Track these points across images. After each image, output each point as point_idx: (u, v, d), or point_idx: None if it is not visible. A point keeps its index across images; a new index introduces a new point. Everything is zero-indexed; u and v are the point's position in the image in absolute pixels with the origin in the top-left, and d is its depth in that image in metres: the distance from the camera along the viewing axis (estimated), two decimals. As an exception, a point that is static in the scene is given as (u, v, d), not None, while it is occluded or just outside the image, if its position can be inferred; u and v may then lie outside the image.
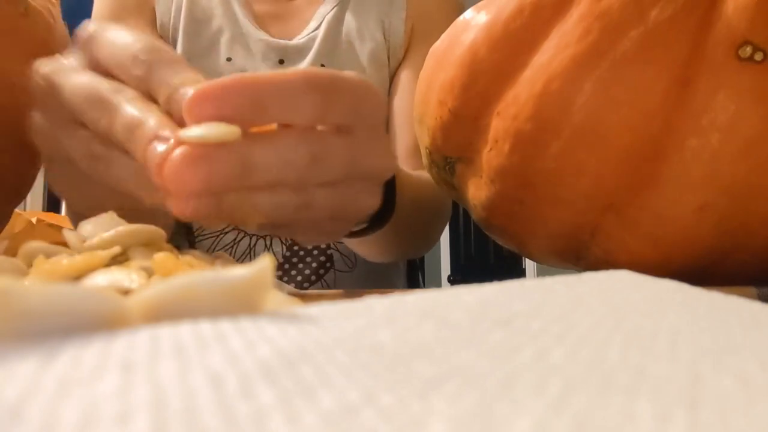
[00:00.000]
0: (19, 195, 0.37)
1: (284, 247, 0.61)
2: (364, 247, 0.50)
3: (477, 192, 0.33)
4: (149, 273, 0.16)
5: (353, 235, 0.39)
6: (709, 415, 0.07)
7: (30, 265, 0.17)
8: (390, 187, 0.37)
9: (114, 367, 0.08)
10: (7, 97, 0.31)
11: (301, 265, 0.62)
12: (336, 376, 0.08)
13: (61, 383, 0.07)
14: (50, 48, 0.34)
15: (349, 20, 0.68)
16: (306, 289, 0.61)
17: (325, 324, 0.10)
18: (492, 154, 0.31)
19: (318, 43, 0.65)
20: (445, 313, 0.12)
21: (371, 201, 0.27)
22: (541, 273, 2.37)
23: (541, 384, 0.08)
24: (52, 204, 2.60)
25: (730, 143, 0.26)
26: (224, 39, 0.63)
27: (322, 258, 0.62)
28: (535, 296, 0.14)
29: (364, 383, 0.08)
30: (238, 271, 0.11)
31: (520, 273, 2.81)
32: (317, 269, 0.62)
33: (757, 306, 0.13)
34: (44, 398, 0.07)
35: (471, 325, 0.11)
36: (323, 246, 0.62)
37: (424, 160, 0.38)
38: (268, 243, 0.61)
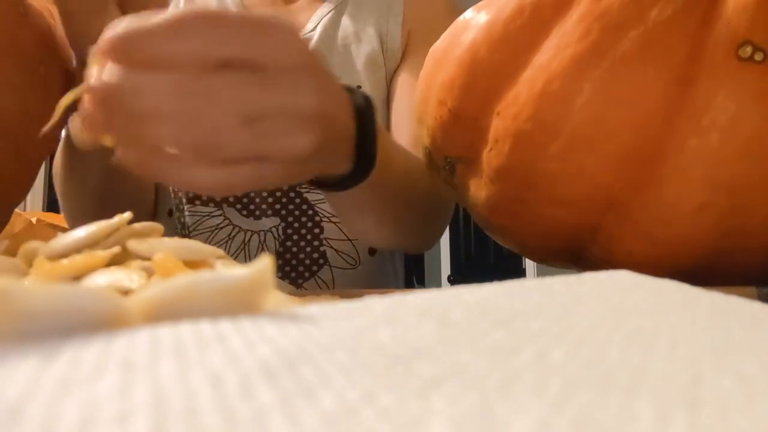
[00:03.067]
0: (19, 195, 0.37)
1: (277, 242, 0.61)
2: (348, 213, 0.49)
3: (477, 192, 0.33)
4: (149, 273, 0.16)
5: (327, 188, 0.39)
6: (709, 415, 0.07)
7: (30, 265, 0.17)
8: (368, 145, 0.36)
9: (114, 367, 0.08)
10: (7, 97, 0.31)
11: (294, 262, 0.62)
12: (336, 376, 0.08)
13: (61, 383, 0.07)
14: (50, 48, 0.34)
15: (346, 24, 0.68)
16: (300, 285, 0.62)
17: (325, 324, 0.10)
18: (492, 154, 0.31)
19: (312, 45, 0.65)
20: (445, 313, 0.12)
21: (301, 140, 0.27)
22: (541, 273, 2.37)
23: (541, 384, 0.08)
24: (52, 204, 2.60)
25: (730, 143, 0.26)
26: None
27: (315, 255, 0.62)
28: (535, 296, 0.14)
29: (364, 383, 0.08)
30: (238, 271, 0.11)
31: (520, 273, 2.81)
32: (310, 266, 0.62)
33: (757, 306, 0.13)
34: (44, 398, 0.07)
35: (471, 325, 0.11)
36: (315, 243, 0.62)
37: (424, 160, 0.38)
38: (262, 238, 0.61)
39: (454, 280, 3.15)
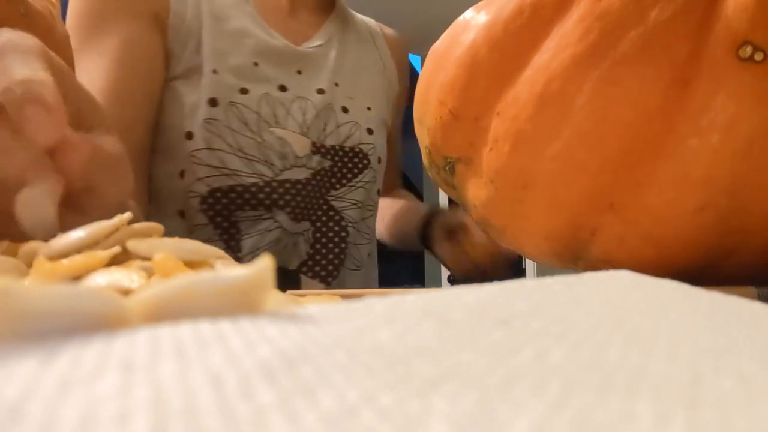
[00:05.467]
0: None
1: (307, 245, 0.66)
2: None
3: (477, 192, 0.33)
4: (149, 273, 0.16)
5: None
6: (709, 415, 0.07)
7: (30, 265, 0.17)
8: None
9: (114, 367, 0.08)
10: (7, 97, 0.31)
11: (324, 262, 0.67)
12: (336, 376, 0.08)
13: (61, 383, 0.07)
14: (50, 48, 0.34)
15: (352, 49, 0.76)
16: (329, 284, 0.67)
17: (325, 324, 0.10)
18: (492, 154, 0.31)
19: (332, 62, 0.71)
20: (445, 313, 0.12)
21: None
22: (541, 273, 2.36)
23: (541, 384, 0.08)
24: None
25: (730, 143, 0.26)
26: (249, 41, 0.66)
27: (342, 256, 0.69)
28: (535, 296, 0.14)
29: (364, 383, 0.08)
30: (238, 271, 0.11)
31: (520, 273, 2.81)
32: (338, 265, 0.68)
33: (757, 306, 0.13)
34: (44, 398, 0.07)
35: (471, 325, 0.11)
36: (343, 245, 0.69)
37: (424, 160, 0.38)
38: (295, 240, 0.65)
39: (454, 280, 3.14)
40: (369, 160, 0.71)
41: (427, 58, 0.36)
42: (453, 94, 0.32)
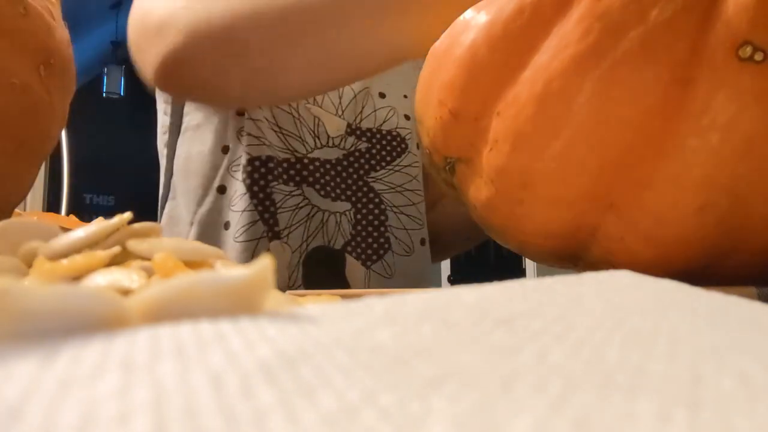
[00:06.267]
0: (19, 195, 0.37)
1: (350, 225, 0.67)
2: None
3: (477, 192, 0.33)
4: (149, 273, 0.16)
5: None
6: (710, 415, 0.07)
7: (30, 265, 0.17)
8: None
9: (114, 367, 0.08)
10: (7, 97, 0.31)
11: (364, 245, 0.67)
12: (336, 376, 0.08)
13: (61, 383, 0.07)
14: (50, 48, 0.34)
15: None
16: (369, 266, 0.68)
17: (325, 324, 0.10)
18: (492, 154, 0.31)
19: None
20: (445, 313, 0.12)
21: None
22: (541, 273, 2.36)
23: (541, 384, 0.08)
24: (52, 204, 2.60)
25: (730, 143, 0.26)
26: None
27: (381, 240, 0.68)
28: (535, 296, 0.14)
29: (364, 383, 0.08)
30: (238, 271, 0.11)
31: (520, 273, 2.81)
32: (377, 249, 0.68)
33: (757, 306, 0.13)
34: (44, 398, 0.07)
35: (471, 325, 0.11)
36: (382, 229, 0.69)
37: (424, 160, 0.38)
38: (338, 219, 0.66)
39: (454, 280, 3.15)
40: (407, 144, 0.71)
41: (427, 58, 0.36)
42: (453, 94, 0.32)
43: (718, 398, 0.08)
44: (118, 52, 3.62)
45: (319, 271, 0.64)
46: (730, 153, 0.26)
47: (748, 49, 0.25)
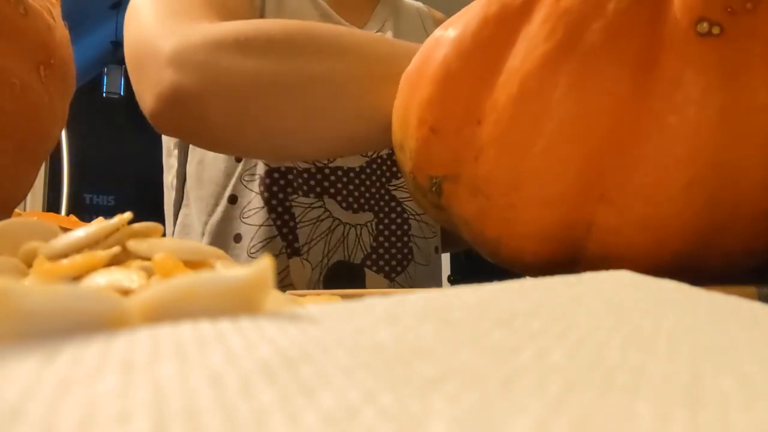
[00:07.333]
0: (19, 195, 0.37)
1: (371, 237, 0.64)
2: None
3: (467, 206, 0.33)
4: (149, 273, 0.16)
5: None
6: (709, 415, 0.07)
7: (30, 265, 0.17)
8: None
9: (114, 367, 0.08)
10: (7, 97, 0.31)
11: (387, 256, 0.65)
12: (336, 376, 0.08)
13: (61, 383, 0.07)
14: (50, 48, 0.34)
15: (405, 34, 0.72)
16: (393, 278, 0.65)
17: (326, 324, 0.10)
18: (479, 163, 0.31)
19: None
20: (445, 313, 0.12)
21: None
22: (541, 273, 2.35)
23: (541, 384, 0.08)
24: (52, 204, 2.60)
25: (707, 116, 0.26)
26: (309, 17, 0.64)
27: (405, 250, 0.66)
28: (535, 296, 0.14)
29: (364, 383, 0.08)
30: (238, 272, 0.11)
31: (520, 273, 2.80)
32: (401, 260, 0.66)
33: (757, 306, 0.13)
34: (44, 398, 0.07)
35: (471, 325, 0.11)
36: (405, 239, 0.66)
37: (409, 187, 0.38)
38: (358, 232, 0.64)
39: (454, 280, 3.15)
40: None
41: (401, 85, 0.36)
42: (432, 110, 0.33)
43: (717, 398, 0.08)
44: (118, 52, 3.62)
45: (339, 287, 0.61)
46: (708, 125, 0.27)
47: (705, 25, 0.26)
